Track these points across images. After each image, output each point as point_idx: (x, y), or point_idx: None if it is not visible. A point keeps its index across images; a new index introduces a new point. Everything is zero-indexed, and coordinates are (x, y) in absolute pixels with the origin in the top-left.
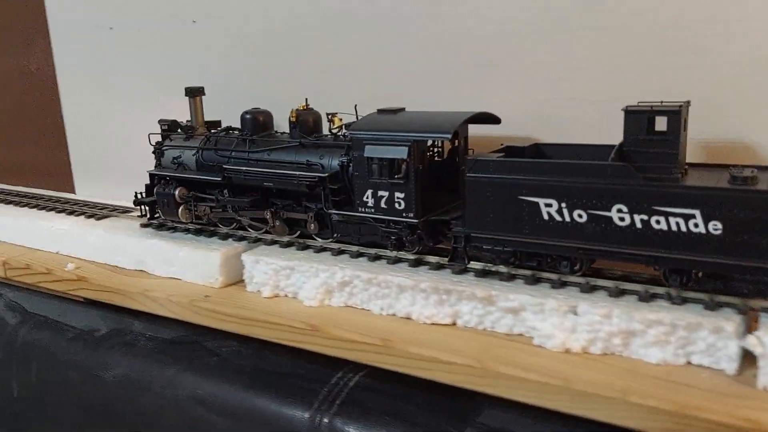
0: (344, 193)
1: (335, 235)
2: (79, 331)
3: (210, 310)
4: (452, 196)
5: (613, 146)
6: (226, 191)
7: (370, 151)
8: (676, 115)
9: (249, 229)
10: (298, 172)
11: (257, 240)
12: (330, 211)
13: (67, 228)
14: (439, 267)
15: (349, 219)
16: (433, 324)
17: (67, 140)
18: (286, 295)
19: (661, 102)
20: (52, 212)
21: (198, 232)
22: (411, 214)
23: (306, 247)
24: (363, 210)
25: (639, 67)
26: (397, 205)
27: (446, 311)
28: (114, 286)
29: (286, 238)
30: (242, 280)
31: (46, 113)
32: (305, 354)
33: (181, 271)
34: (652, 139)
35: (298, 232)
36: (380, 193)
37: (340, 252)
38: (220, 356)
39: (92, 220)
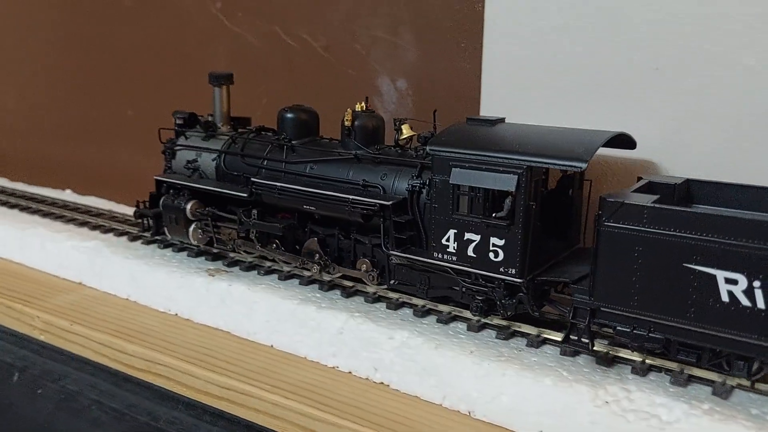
0: (412, 228)
1: (392, 282)
2: None
3: None
4: (560, 242)
5: None
6: (254, 211)
7: (458, 176)
8: None
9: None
10: (350, 196)
11: (291, 276)
12: (391, 252)
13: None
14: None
15: (415, 264)
16: None
17: None
18: None
19: None
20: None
21: None
22: (513, 270)
23: None
24: (440, 255)
25: None
26: (492, 255)
27: None
28: None
29: (328, 278)
30: None
31: None
32: None
33: None
34: None
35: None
36: (468, 235)
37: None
38: None
39: None
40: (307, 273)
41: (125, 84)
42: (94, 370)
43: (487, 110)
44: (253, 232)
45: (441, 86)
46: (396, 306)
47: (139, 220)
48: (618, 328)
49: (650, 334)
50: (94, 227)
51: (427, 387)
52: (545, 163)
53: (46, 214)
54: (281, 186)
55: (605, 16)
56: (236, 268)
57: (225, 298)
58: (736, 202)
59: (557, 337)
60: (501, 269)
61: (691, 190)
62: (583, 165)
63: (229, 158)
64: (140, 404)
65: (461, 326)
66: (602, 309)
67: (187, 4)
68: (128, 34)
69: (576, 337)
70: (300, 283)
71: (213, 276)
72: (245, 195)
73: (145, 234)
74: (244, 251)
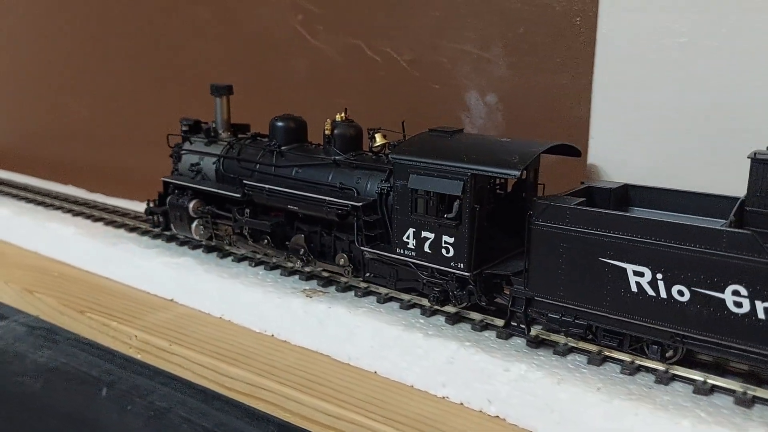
0: (381, 227)
1: (367, 274)
2: None
3: None
4: (514, 239)
5: (732, 199)
6: (247, 210)
7: (415, 181)
8: None
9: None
10: (327, 198)
11: (295, 272)
12: (362, 247)
13: None
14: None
15: (383, 259)
16: None
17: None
18: None
19: None
20: None
21: None
22: (461, 265)
23: None
24: (402, 251)
25: None
26: (444, 251)
27: None
28: None
29: (308, 268)
30: None
31: None
32: None
33: None
34: None
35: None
36: (424, 234)
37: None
38: None
39: None
40: (290, 264)
41: (199, 96)
42: (182, 386)
43: (597, 131)
44: (245, 229)
45: (533, 103)
46: (506, 336)
47: (150, 217)
48: (549, 315)
49: (575, 321)
50: (182, 243)
51: (549, 423)
52: (485, 171)
53: (132, 229)
54: (269, 188)
55: (738, 35)
56: (332, 289)
57: (324, 320)
58: (669, 206)
59: (500, 322)
60: (452, 264)
61: (629, 195)
62: (516, 173)
63: (227, 162)
64: (230, 423)
65: (580, 359)
66: (536, 298)
67: (266, 16)
68: (206, 46)
69: (515, 323)
70: (400, 307)
71: (310, 297)
72: (238, 195)
73: (155, 229)
74: (238, 245)
